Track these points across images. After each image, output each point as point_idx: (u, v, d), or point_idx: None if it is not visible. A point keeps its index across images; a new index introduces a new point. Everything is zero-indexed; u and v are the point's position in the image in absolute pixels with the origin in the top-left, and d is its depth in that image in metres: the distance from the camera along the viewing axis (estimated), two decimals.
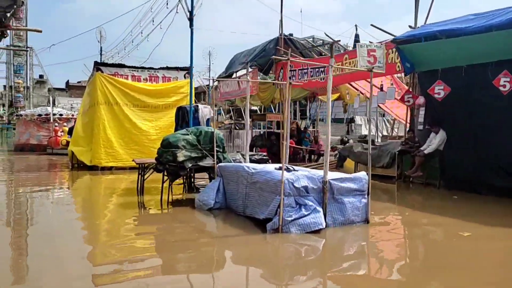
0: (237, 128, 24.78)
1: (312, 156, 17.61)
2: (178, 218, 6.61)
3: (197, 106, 10.25)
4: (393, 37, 10.76)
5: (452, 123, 9.40)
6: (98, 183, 11.04)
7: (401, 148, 10.54)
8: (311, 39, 25.99)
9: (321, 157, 17.00)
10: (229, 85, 19.21)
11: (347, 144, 13.86)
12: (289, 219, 5.15)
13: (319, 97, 21.06)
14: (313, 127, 23.40)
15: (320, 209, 5.29)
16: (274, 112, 25.03)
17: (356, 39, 16.87)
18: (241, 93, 18.59)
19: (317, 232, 5.22)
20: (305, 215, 5.19)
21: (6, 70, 54.95)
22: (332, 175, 5.58)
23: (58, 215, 7.24)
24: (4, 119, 51.59)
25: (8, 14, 5.95)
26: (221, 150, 7.28)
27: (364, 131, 29.07)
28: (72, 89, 58.71)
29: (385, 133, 23.29)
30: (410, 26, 10.80)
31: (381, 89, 11.63)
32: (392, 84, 11.71)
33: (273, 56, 9.28)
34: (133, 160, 8.84)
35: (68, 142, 18.28)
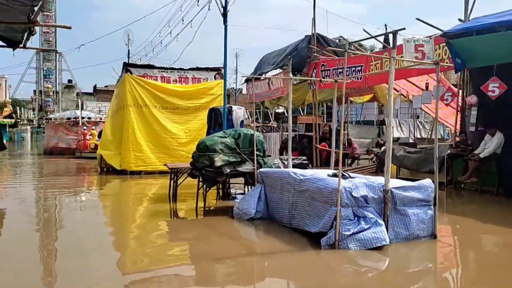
0: (264, 131, 24.20)
1: (346, 160, 16.87)
2: (215, 228, 6.02)
3: (231, 107, 9.70)
4: (440, 31, 9.97)
5: (509, 124, 8.55)
6: (128, 188, 10.63)
7: (451, 151, 9.70)
8: (338, 40, 25.19)
9: (356, 161, 16.26)
10: (258, 86, 18.67)
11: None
12: (347, 233, 4.50)
13: (350, 98, 20.29)
14: (343, 130, 22.53)
15: (382, 222, 4.62)
16: (302, 114, 24.37)
17: (386, 39, 16.05)
18: (272, 94, 18.03)
19: (378, 248, 4.54)
20: (365, 229, 4.53)
21: (36, 75, 56.38)
22: (393, 182, 4.90)
23: (87, 221, 6.85)
24: (34, 123, 52.70)
25: (36, 8, 5.53)
26: (261, 154, 6.69)
27: (396, 134, 28.08)
28: (99, 93, 59.58)
29: (419, 135, 22.29)
30: (459, 20, 9.97)
31: (427, 88, 10.82)
32: (439, 82, 10.86)
33: (332, 48, 8.58)
34: (165, 165, 8.36)
35: (96, 146, 18.12)
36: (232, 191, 8.76)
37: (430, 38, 9.67)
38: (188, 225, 6.45)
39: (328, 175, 5.05)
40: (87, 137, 21.06)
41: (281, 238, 5.19)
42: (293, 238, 5.13)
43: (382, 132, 27.87)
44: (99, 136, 18.89)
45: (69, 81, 61.22)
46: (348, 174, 4.98)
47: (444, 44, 9.71)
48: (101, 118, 24.05)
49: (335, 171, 5.16)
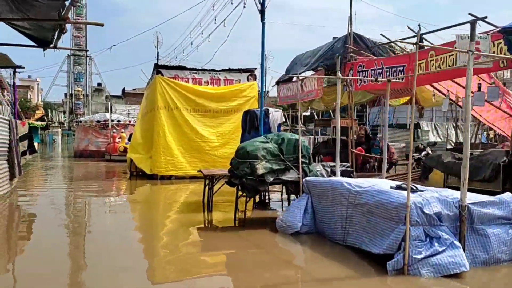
0: None
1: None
2: (258, 243, 5.45)
3: (268, 110, 9.15)
4: (494, 27, 9.15)
5: None
6: (159, 194, 10.22)
7: (508, 159, 8.84)
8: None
9: (393, 166, 15.43)
10: (290, 88, 18.06)
11: (434, 153, 12.23)
12: (418, 256, 3.85)
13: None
14: (379, 134, 21.74)
15: (459, 244, 3.94)
16: (332, 117, 23.60)
17: (421, 39, 15.14)
18: (305, 96, 17.36)
19: (454, 275, 3.87)
20: (439, 252, 3.87)
21: (67, 78, 57.59)
22: (470, 197, 4.21)
23: (117, 228, 6.50)
24: (65, 125, 53.74)
25: (67, 3, 5.12)
26: (307, 162, 6.08)
27: (432, 138, 26.95)
28: (128, 96, 60.29)
29: (456, 140, 21.19)
30: None
31: (479, 89, 9.96)
32: (493, 83, 10.01)
33: (403, 41, 7.93)
34: (199, 171, 7.87)
35: (126, 149, 17.91)
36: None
37: (488, 34, 8.87)
38: (226, 237, 5.89)
39: (392, 187, 4.41)
40: (117, 140, 20.94)
41: (334, 258, 4.58)
42: (349, 259, 4.51)
43: (417, 136, 26.79)
44: (129, 139, 18.71)
45: (99, 84, 62.25)
46: (416, 186, 4.33)
47: (499, 41, 8.87)
48: (130, 121, 23.97)
49: (399, 183, 4.51)
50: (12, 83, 16.28)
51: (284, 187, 8.40)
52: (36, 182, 12.40)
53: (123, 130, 22.16)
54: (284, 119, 9.42)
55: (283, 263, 4.76)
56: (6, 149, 8.70)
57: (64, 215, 7.63)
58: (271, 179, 5.77)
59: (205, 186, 7.69)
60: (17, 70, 11.20)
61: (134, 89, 59.29)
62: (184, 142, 12.19)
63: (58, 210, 8.05)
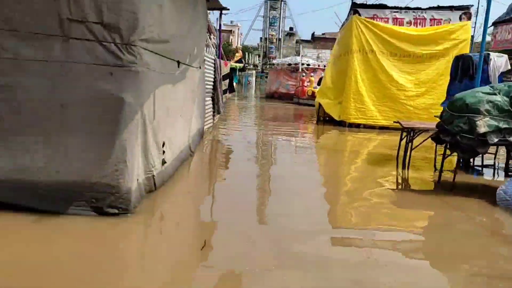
0: None
1: None
2: (465, 211, 4.56)
3: (488, 55, 7.49)
4: None
5: None
6: (346, 141, 9.82)
7: None
8: None
9: None
10: None
11: None
12: None
13: None
14: None
15: None
16: None
17: None
18: None
19: None
20: None
21: (263, 23, 61.02)
22: None
23: (302, 171, 6.41)
24: (258, 68, 57.79)
25: None
26: None
27: None
28: (316, 40, 60.55)
29: None
30: None
31: None
32: None
33: None
34: (396, 122, 7.08)
35: (313, 93, 17.96)
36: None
37: None
38: (425, 199, 5.09)
39: None
40: (305, 83, 21.20)
41: None
42: None
43: None
44: (318, 83, 18.66)
45: (291, 28, 64.18)
46: None
47: None
48: (319, 65, 23.88)
49: None
50: (218, 27, 17.69)
51: (498, 150, 7.00)
52: (233, 119, 13.48)
53: (312, 74, 22.25)
54: (509, 67, 7.60)
55: (503, 243, 3.83)
56: (212, 87, 9.44)
57: (255, 152, 8.00)
58: (496, 139, 4.64)
59: (401, 139, 6.91)
60: (223, 12, 11.87)
61: (323, 34, 59.11)
62: (376, 89, 11.34)
63: (251, 147, 8.50)
